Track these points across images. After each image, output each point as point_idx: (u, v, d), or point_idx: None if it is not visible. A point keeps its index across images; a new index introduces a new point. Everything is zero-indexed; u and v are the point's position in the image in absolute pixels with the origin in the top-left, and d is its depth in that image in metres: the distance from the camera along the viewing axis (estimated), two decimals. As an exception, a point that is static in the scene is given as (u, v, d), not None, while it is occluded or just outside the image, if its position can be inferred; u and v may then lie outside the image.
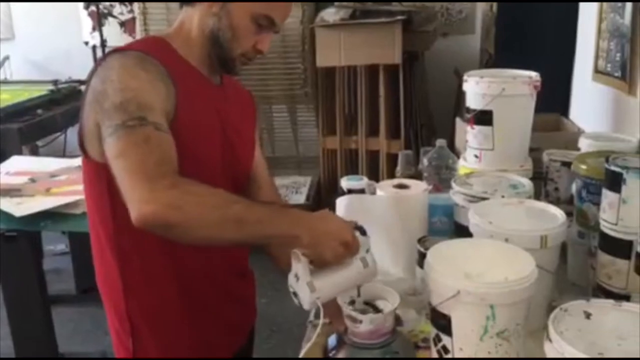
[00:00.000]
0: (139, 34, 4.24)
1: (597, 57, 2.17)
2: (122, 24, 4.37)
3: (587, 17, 2.34)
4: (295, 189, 4.06)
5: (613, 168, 1.19)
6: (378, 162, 3.80)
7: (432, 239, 1.38)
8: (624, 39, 1.90)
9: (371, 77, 3.72)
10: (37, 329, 2.43)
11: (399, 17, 3.47)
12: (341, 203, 1.50)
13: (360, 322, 1.09)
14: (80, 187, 1.30)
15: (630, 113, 1.85)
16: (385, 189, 1.55)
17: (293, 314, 1.72)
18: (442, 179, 1.76)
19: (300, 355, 1.12)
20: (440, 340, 1.03)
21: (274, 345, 2.89)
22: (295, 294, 1.07)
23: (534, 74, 1.67)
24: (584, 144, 1.66)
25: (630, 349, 0.82)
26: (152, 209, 0.96)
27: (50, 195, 2.23)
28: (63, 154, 3.77)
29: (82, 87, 3.21)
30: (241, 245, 1.23)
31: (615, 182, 1.18)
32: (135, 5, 4.25)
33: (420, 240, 1.39)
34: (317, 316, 1.14)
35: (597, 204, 1.28)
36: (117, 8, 4.34)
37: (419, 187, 1.56)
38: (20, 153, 3.12)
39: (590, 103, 2.34)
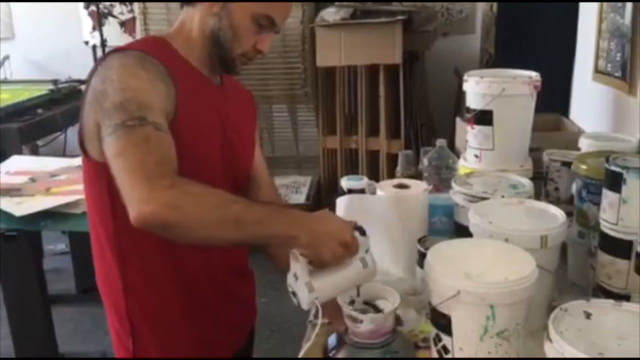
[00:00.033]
0: (139, 34, 4.24)
1: (597, 57, 2.17)
2: (122, 24, 4.38)
3: (588, 17, 2.34)
4: (295, 188, 4.06)
5: (613, 168, 1.19)
6: (378, 162, 3.80)
7: (432, 238, 1.38)
8: (624, 39, 1.90)
9: (371, 77, 3.72)
10: (37, 329, 2.43)
11: (399, 17, 3.47)
12: (341, 203, 1.50)
13: (361, 321, 1.09)
14: (80, 186, 1.31)
15: (631, 113, 1.85)
16: (385, 188, 1.55)
17: (293, 314, 1.72)
18: (442, 178, 1.76)
19: (300, 355, 1.12)
20: (440, 340, 1.03)
21: (273, 345, 2.89)
22: (294, 293, 1.07)
23: (534, 74, 1.67)
24: (584, 144, 1.66)
25: (631, 349, 0.82)
26: (150, 209, 0.96)
27: (50, 195, 2.23)
28: (63, 154, 3.77)
29: (82, 87, 3.21)
30: (240, 245, 1.23)
31: (615, 182, 1.18)
32: (136, 5, 4.25)
33: (421, 240, 1.39)
34: (317, 316, 1.13)
35: (597, 204, 1.28)
36: (117, 8, 4.34)
37: (419, 187, 1.56)
38: (20, 153, 3.12)
39: (590, 103, 2.34)
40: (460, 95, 2.58)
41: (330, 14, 3.58)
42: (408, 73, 3.69)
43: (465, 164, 1.72)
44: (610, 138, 1.71)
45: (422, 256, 1.31)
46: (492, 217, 1.22)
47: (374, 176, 2.77)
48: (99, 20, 4.12)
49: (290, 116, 4.39)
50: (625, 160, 1.21)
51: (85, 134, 1.13)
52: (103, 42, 4.06)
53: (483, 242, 1.17)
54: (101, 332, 2.81)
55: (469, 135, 1.70)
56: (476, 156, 1.69)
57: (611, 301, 0.93)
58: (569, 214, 1.30)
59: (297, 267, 1.04)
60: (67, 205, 2.09)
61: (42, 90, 3.68)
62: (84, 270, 3.15)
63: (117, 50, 1.14)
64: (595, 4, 2.18)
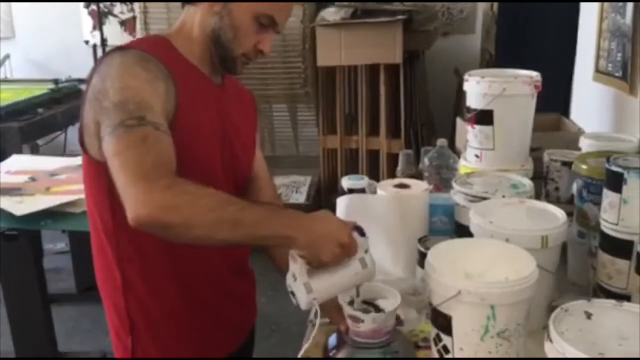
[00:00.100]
0: (139, 33, 4.24)
1: (598, 57, 2.16)
2: (123, 23, 4.37)
3: (588, 17, 2.33)
4: (295, 188, 4.06)
5: (614, 168, 1.19)
6: (378, 161, 3.80)
7: (432, 238, 1.38)
8: (625, 39, 1.90)
9: (372, 77, 3.73)
10: (37, 328, 2.43)
11: (400, 17, 3.47)
12: (342, 202, 1.50)
13: (362, 321, 1.09)
14: (81, 186, 1.30)
15: (631, 113, 1.85)
16: (385, 188, 1.55)
17: (293, 313, 1.72)
18: (442, 178, 1.76)
19: (299, 355, 1.12)
20: (440, 340, 1.03)
21: (273, 344, 2.89)
22: (293, 293, 1.07)
23: (535, 74, 1.67)
24: (585, 144, 1.65)
25: (631, 349, 0.82)
26: (148, 210, 0.96)
27: (51, 194, 2.23)
28: (63, 153, 3.77)
29: (83, 86, 3.21)
30: (237, 245, 1.23)
31: (616, 182, 1.18)
32: (136, 4, 4.25)
33: (421, 240, 1.39)
34: (317, 315, 1.14)
35: (598, 204, 1.28)
36: (118, 7, 4.34)
37: (419, 187, 1.56)
38: (20, 152, 3.13)
39: (591, 103, 2.34)
40: (461, 95, 2.58)
41: (330, 13, 3.58)
42: (408, 73, 3.69)
43: (466, 164, 1.72)
44: (611, 138, 1.71)
45: (422, 256, 1.31)
46: (492, 217, 1.22)
47: (374, 176, 2.76)
48: (99, 20, 4.12)
49: (291, 116, 4.39)
50: (625, 160, 1.21)
51: (85, 133, 1.13)
52: (103, 42, 4.06)
53: (483, 242, 1.17)
54: (101, 331, 2.81)
55: (470, 135, 1.70)
56: (477, 156, 1.69)
57: (612, 301, 0.93)
58: (569, 214, 1.30)
59: (296, 268, 1.04)
60: (67, 204, 2.10)
61: (43, 89, 3.69)
62: (83, 269, 3.16)
63: (118, 48, 1.14)
64: (596, 4, 2.18)
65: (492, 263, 1.03)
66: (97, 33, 4.15)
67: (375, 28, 3.49)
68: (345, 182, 1.64)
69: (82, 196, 1.34)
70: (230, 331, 1.35)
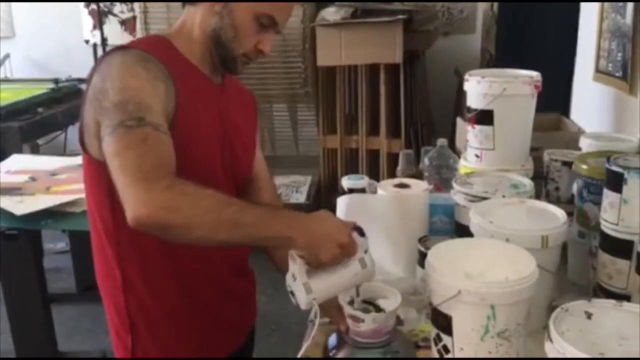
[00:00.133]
0: (139, 33, 4.24)
1: (598, 57, 2.16)
2: (123, 23, 4.37)
3: (588, 17, 2.33)
4: (295, 188, 4.06)
5: (614, 168, 1.19)
6: (378, 161, 3.80)
7: (432, 238, 1.39)
8: (625, 39, 1.90)
9: (372, 76, 3.72)
10: (37, 327, 2.43)
11: (400, 17, 3.47)
12: (342, 202, 1.50)
13: (363, 321, 1.09)
14: (81, 185, 1.30)
15: (631, 113, 1.85)
16: (386, 188, 1.55)
17: (293, 313, 1.72)
18: (442, 178, 1.76)
19: (299, 355, 1.12)
20: (440, 339, 1.03)
21: (273, 344, 2.89)
22: (292, 293, 1.07)
23: (535, 74, 1.67)
24: (585, 144, 1.66)
25: (631, 349, 0.82)
26: (147, 211, 0.96)
27: (51, 194, 2.23)
28: (63, 153, 3.77)
29: (83, 86, 3.21)
30: (237, 246, 1.23)
31: (616, 182, 1.18)
32: (136, 4, 4.25)
33: (421, 240, 1.39)
34: (316, 315, 1.14)
35: (598, 203, 1.28)
36: (118, 6, 4.34)
37: (419, 187, 1.56)
38: (20, 151, 3.13)
39: (591, 103, 2.34)
40: (461, 94, 2.58)
41: (330, 13, 3.58)
42: (408, 72, 3.69)
43: (466, 164, 1.72)
44: (611, 138, 1.71)
45: (422, 256, 1.31)
46: (492, 217, 1.22)
47: (374, 175, 2.77)
48: (99, 19, 4.12)
49: (291, 115, 4.39)
50: (626, 160, 1.21)
51: (86, 132, 1.13)
52: (103, 41, 4.06)
53: (484, 242, 1.17)
54: (101, 330, 2.81)
55: (470, 135, 1.70)
56: (477, 156, 1.69)
57: (612, 301, 0.93)
58: (569, 214, 1.30)
59: (295, 268, 1.04)
60: (68, 204, 2.10)
61: (43, 89, 3.69)
62: (83, 269, 3.16)
63: (118, 48, 1.14)
64: (596, 4, 2.18)
65: (493, 263, 1.03)
66: (97, 32, 4.15)
67: (376, 28, 3.49)
68: (346, 182, 1.64)
69: (83, 196, 1.34)
70: (230, 331, 1.35)
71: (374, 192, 1.59)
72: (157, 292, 1.22)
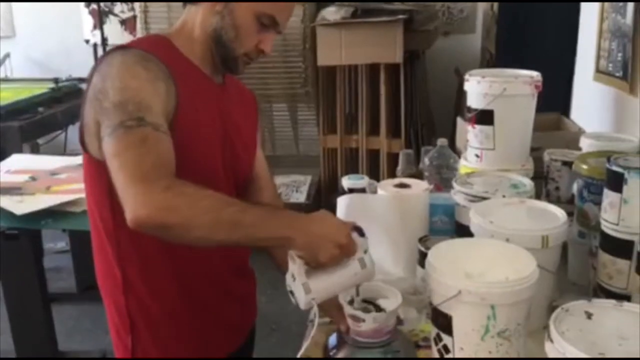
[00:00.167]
0: (139, 33, 4.24)
1: (598, 57, 2.16)
2: (123, 22, 4.37)
3: (589, 17, 2.33)
4: (295, 187, 4.06)
5: (614, 168, 1.19)
6: (378, 161, 3.80)
7: (433, 238, 1.39)
8: (625, 39, 1.90)
9: (372, 76, 3.73)
10: (37, 327, 2.43)
11: (400, 16, 3.47)
12: (342, 202, 1.50)
13: (363, 320, 1.09)
14: (81, 185, 1.30)
15: (632, 113, 1.85)
16: (386, 188, 1.55)
17: (293, 312, 1.72)
18: (443, 178, 1.76)
19: (299, 355, 1.12)
20: (441, 339, 1.03)
21: (273, 343, 2.89)
22: (292, 293, 1.07)
23: (536, 74, 1.67)
24: (585, 144, 1.66)
25: (631, 349, 0.82)
26: (146, 212, 0.97)
27: (51, 194, 2.23)
28: (64, 152, 3.77)
29: (83, 85, 3.21)
30: (236, 246, 1.23)
31: (616, 182, 1.18)
32: (136, 3, 4.25)
33: (421, 240, 1.39)
34: (316, 315, 1.14)
35: (598, 203, 1.28)
36: (118, 6, 4.33)
37: (420, 187, 1.56)
38: (20, 151, 3.13)
39: (591, 103, 2.34)
40: (461, 94, 2.58)
41: (331, 13, 3.58)
42: (409, 72, 3.69)
43: (466, 164, 1.72)
44: (612, 138, 1.71)
45: (423, 256, 1.31)
46: (493, 217, 1.22)
47: (375, 175, 2.77)
48: (99, 19, 4.12)
49: (291, 115, 4.39)
50: (626, 160, 1.21)
51: (86, 132, 1.13)
52: (104, 41, 4.06)
53: (484, 241, 1.17)
54: (101, 330, 2.81)
55: (470, 134, 1.70)
56: (477, 156, 1.69)
57: (612, 301, 0.93)
58: (569, 214, 1.30)
59: (294, 268, 1.05)
60: (68, 203, 2.10)
61: (43, 88, 3.69)
62: (84, 268, 3.16)
63: (118, 48, 1.14)
64: (597, 4, 2.18)
65: (493, 263, 1.03)
66: (97, 32, 4.15)
67: (376, 28, 3.49)
68: (346, 182, 1.64)
69: (83, 195, 1.34)
70: (230, 331, 1.35)
71: (374, 192, 1.59)
72: (158, 292, 1.22)
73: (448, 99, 3.95)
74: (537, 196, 1.51)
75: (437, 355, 1.05)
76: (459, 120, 2.42)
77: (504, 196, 1.39)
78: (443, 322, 1.01)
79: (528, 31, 3.22)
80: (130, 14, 4.32)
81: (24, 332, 2.40)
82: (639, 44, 1.82)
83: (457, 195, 1.46)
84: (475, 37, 4.27)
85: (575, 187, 1.47)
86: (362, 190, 1.61)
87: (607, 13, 2.09)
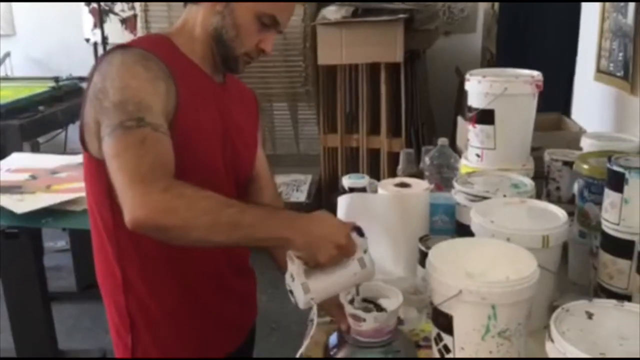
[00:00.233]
0: (140, 32, 4.24)
1: (599, 57, 2.16)
2: (123, 21, 4.37)
3: (590, 17, 2.33)
4: (295, 186, 4.06)
5: (615, 168, 1.19)
6: (379, 160, 3.80)
7: (433, 238, 1.38)
8: (626, 39, 1.90)
9: (372, 75, 3.72)
10: (37, 326, 2.43)
11: (401, 16, 3.47)
12: (343, 201, 1.50)
13: (364, 320, 1.09)
14: (81, 184, 1.30)
15: (633, 113, 1.85)
16: (386, 187, 1.55)
17: (293, 312, 1.72)
18: (443, 178, 1.76)
19: (298, 355, 1.12)
20: (441, 339, 1.03)
21: (274, 343, 2.89)
22: (291, 292, 1.07)
23: (536, 74, 1.67)
24: (586, 144, 1.65)
25: (632, 349, 0.82)
26: (144, 213, 0.97)
27: (51, 192, 2.23)
28: (64, 151, 3.77)
29: (83, 84, 3.21)
30: (235, 247, 1.23)
31: (617, 182, 1.18)
32: (137, 2, 4.24)
33: (422, 239, 1.39)
34: (315, 315, 1.14)
35: (599, 203, 1.28)
36: (119, 5, 4.33)
37: (420, 186, 1.56)
38: (21, 149, 3.13)
39: (592, 103, 2.34)
40: (461, 94, 2.58)
41: (331, 12, 3.58)
42: (409, 72, 3.69)
43: (467, 163, 1.72)
44: (612, 138, 1.71)
45: (423, 255, 1.31)
46: (493, 217, 1.22)
47: (375, 175, 2.77)
48: (100, 18, 4.11)
49: (291, 114, 4.39)
50: (627, 160, 1.21)
51: (86, 131, 1.13)
52: (104, 40, 4.06)
53: (484, 241, 1.17)
54: (101, 329, 2.81)
55: (471, 134, 1.70)
56: (478, 155, 1.69)
57: (613, 301, 0.93)
58: (570, 214, 1.30)
59: (293, 269, 1.05)
60: (68, 202, 2.10)
61: (43, 87, 3.69)
62: (84, 267, 3.16)
63: (119, 47, 1.14)
64: (598, 4, 2.17)
65: (493, 263, 1.03)
66: (97, 31, 4.15)
67: (376, 27, 3.49)
68: (346, 181, 1.64)
69: (83, 194, 1.34)
70: (231, 330, 1.34)
71: (375, 191, 1.59)
72: (158, 291, 1.22)
73: (449, 98, 3.95)
74: (538, 196, 1.50)
75: (437, 355, 1.05)
76: (460, 119, 2.42)
77: (504, 196, 1.39)
78: (444, 322, 1.01)
79: (529, 31, 3.22)
80: (130, 13, 4.31)
81: (24, 331, 2.40)
82: (640, 43, 1.82)
83: (457, 194, 1.46)
84: (476, 37, 4.26)
85: (576, 187, 1.47)
86: (363, 190, 1.61)
87: (608, 13, 2.09)
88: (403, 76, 3.63)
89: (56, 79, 3.82)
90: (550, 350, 0.84)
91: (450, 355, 1.02)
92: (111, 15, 4.33)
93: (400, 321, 1.23)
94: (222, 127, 1.23)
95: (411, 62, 3.70)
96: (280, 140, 4.46)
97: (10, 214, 2.05)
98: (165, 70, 1.11)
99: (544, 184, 1.67)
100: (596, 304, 0.93)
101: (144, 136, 1.03)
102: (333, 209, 1.43)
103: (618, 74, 1.97)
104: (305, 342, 1.12)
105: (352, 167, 3.81)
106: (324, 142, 3.95)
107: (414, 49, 3.68)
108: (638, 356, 0.80)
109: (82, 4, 4.32)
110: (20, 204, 2.09)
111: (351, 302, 1.12)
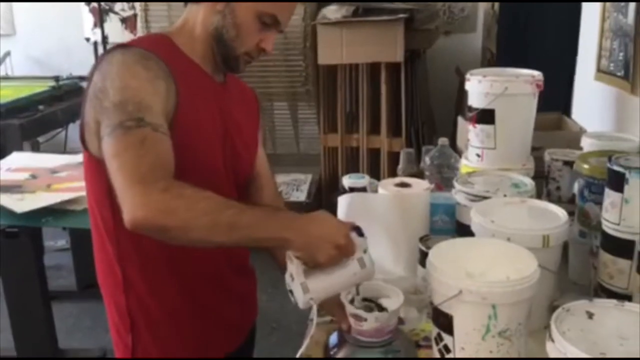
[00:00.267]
0: (140, 31, 4.24)
1: (599, 57, 2.16)
2: (124, 21, 4.37)
3: (590, 16, 2.33)
4: (296, 186, 4.06)
5: (615, 168, 1.19)
6: (379, 160, 3.80)
7: (433, 237, 1.38)
8: (627, 39, 1.90)
9: (373, 75, 3.72)
10: (38, 325, 2.43)
11: (401, 15, 3.47)
12: (343, 201, 1.50)
13: (365, 320, 1.09)
14: (82, 183, 1.31)
15: (633, 113, 1.85)
16: (387, 187, 1.55)
17: (293, 311, 1.72)
18: (444, 177, 1.75)
19: (298, 355, 1.12)
20: (441, 339, 1.03)
21: (274, 342, 2.89)
22: (291, 292, 1.07)
23: (537, 73, 1.67)
24: (587, 144, 1.65)
25: (632, 349, 0.82)
26: (144, 213, 0.97)
27: (52, 192, 2.23)
28: (64, 150, 3.77)
29: (83, 84, 3.21)
30: (234, 247, 1.23)
31: (617, 181, 1.18)
32: (137, 2, 4.25)
33: (422, 239, 1.38)
34: (315, 315, 1.14)
35: (599, 203, 1.28)
36: (119, 5, 4.33)
37: (420, 186, 1.56)
38: (21, 149, 3.13)
39: (592, 102, 2.34)
40: (462, 93, 2.58)
41: (332, 11, 3.58)
42: (409, 71, 3.69)
43: (467, 163, 1.72)
44: (613, 137, 1.71)
45: (423, 255, 1.31)
46: (494, 217, 1.22)
47: (375, 174, 2.77)
48: (100, 17, 4.11)
49: (291, 114, 4.39)
50: (627, 160, 1.21)
51: (86, 131, 1.13)
52: (104, 39, 4.06)
53: (485, 241, 1.17)
54: (101, 328, 2.81)
55: (471, 134, 1.70)
56: (478, 155, 1.69)
57: (613, 301, 0.93)
58: (570, 214, 1.30)
59: (293, 269, 1.05)
60: (68, 201, 2.10)
61: (43, 86, 3.69)
62: (84, 266, 3.16)
63: (119, 46, 1.14)
64: (598, 3, 2.17)
65: (494, 262, 1.03)
66: (98, 30, 4.15)
67: (377, 26, 3.49)
68: (346, 181, 1.64)
69: (83, 193, 1.34)
70: (231, 330, 1.34)
71: (375, 191, 1.59)
72: (158, 291, 1.22)
73: (449, 98, 3.95)
74: (538, 196, 1.51)
75: (437, 355, 1.05)
76: (460, 119, 2.42)
77: (505, 196, 1.39)
78: (444, 322, 1.01)
79: (529, 30, 3.22)
80: (130, 12, 4.32)
81: (24, 330, 2.40)
82: (641, 43, 1.82)
83: (458, 194, 1.46)
84: (476, 37, 4.26)
85: (576, 187, 1.47)
86: (363, 190, 1.61)
87: (608, 12, 2.09)
88: (403, 76, 3.63)
89: (56, 79, 3.82)
90: (551, 350, 0.84)
91: (451, 355, 1.02)
92: (111, 15, 4.33)
93: (400, 321, 1.23)
94: (222, 126, 1.23)
95: (411, 62, 3.70)
96: (281, 140, 4.46)
97: (11, 213, 2.05)
98: (165, 69, 1.11)
99: (544, 183, 1.67)
100: (596, 303, 0.92)
101: (143, 136, 1.03)
102: (333, 209, 1.43)
103: (618, 74, 1.97)
104: (306, 342, 1.12)
105: (352, 167, 3.81)
106: (324, 141, 3.95)
107: (414, 48, 3.68)
108: (638, 356, 0.80)
109: (82, 3, 4.32)
110: (20, 203, 2.09)
111: (352, 301, 1.12)
